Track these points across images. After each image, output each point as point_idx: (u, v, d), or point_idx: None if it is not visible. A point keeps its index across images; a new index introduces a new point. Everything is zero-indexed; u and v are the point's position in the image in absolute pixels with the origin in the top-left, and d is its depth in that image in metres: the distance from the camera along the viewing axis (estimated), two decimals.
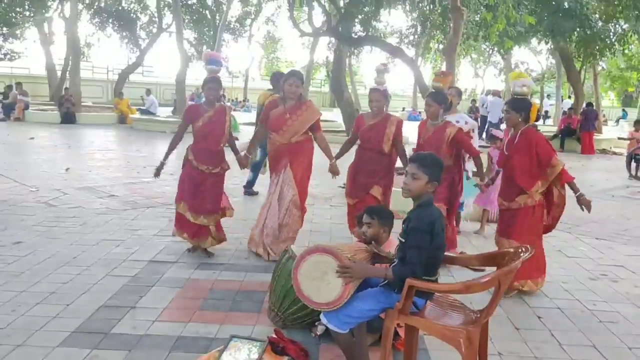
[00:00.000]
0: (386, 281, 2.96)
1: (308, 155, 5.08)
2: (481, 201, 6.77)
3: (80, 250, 5.16)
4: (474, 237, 6.42)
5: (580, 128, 16.99)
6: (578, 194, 4.25)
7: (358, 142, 5.25)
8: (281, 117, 4.94)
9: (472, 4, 12.51)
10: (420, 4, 17.33)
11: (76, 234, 5.71)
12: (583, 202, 4.23)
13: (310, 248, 3.12)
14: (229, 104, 25.94)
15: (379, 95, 4.93)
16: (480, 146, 10.52)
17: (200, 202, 4.93)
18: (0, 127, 17.23)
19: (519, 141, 4.30)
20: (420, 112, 32.13)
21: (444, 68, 11.99)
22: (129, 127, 19.38)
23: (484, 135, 13.66)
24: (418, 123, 5.30)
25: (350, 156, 5.39)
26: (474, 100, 22.84)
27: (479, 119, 17.23)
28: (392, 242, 3.54)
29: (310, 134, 5.09)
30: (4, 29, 24.71)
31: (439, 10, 15.15)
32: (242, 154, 5.16)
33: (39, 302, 3.91)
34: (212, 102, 4.94)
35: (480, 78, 46.47)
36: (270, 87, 7.54)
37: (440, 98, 4.89)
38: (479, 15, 13.83)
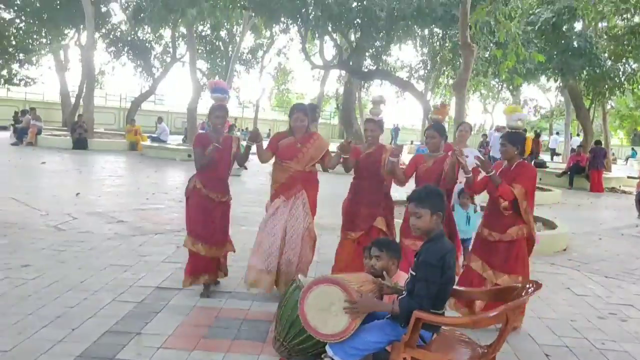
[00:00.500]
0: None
1: (317, 186, 5.11)
2: None
3: (88, 274, 5.17)
4: None
5: (589, 166, 16.96)
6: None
7: (352, 175, 5.18)
8: (292, 146, 4.94)
9: (482, 40, 12.70)
10: (431, 40, 17.60)
11: (84, 258, 5.73)
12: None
13: (318, 279, 3.13)
14: (238, 133, 26.23)
15: (375, 126, 5.00)
16: None
17: (212, 233, 4.86)
18: (12, 151, 17.47)
19: (513, 173, 4.38)
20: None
21: (452, 103, 12.10)
22: (140, 154, 19.57)
23: None
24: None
25: (339, 192, 5.32)
26: (484, 135, 22.93)
27: (489, 154, 17.27)
28: (400, 275, 3.54)
29: (316, 168, 5.11)
30: (21, 55, 25.21)
31: (449, 46, 15.36)
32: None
33: (45, 326, 3.91)
34: (219, 130, 4.95)
35: (489, 114, 46.75)
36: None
37: (442, 130, 4.94)
38: (489, 52, 14.00)
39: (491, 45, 12.26)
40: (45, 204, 8.51)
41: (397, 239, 4.82)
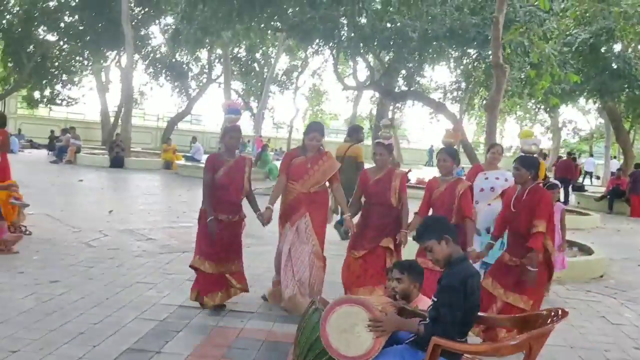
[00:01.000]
0: (413, 338, 2.88)
1: (325, 205, 5.08)
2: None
3: (114, 291, 5.22)
4: None
5: (630, 190, 16.41)
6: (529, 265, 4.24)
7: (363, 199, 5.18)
8: (302, 166, 4.95)
9: (517, 61, 12.54)
10: (465, 60, 17.46)
11: (111, 275, 5.80)
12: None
13: (340, 299, 3.07)
14: (272, 153, 26.41)
15: (384, 150, 4.97)
16: None
17: (218, 251, 4.80)
18: (52, 169, 17.98)
19: (526, 198, 4.38)
20: (463, 168, 31.72)
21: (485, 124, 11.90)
22: (174, 173, 19.88)
23: None
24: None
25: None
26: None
27: None
28: (421, 299, 3.45)
29: (327, 185, 5.10)
30: (63, 76, 26.09)
31: (482, 68, 15.22)
32: (265, 208, 4.91)
33: (67, 342, 3.94)
34: (232, 151, 4.89)
35: None
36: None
37: (454, 154, 4.94)
38: (524, 73, 13.80)
39: (526, 66, 12.09)
40: (78, 221, 8.68)
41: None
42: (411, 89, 16.51)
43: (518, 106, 24.43)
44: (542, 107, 22.11)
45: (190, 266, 4.92)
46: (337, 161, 5.36)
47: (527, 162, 4.43)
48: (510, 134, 49.51)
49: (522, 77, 13.75)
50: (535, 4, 11.75)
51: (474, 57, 15.31)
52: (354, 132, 8.85)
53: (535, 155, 4.62)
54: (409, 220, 4.94)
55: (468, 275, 2.81)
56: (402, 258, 4.98)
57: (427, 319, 2.88)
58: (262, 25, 14.19)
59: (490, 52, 10.16)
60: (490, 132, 8.99)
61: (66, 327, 4.22)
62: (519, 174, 4.44)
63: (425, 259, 4.41)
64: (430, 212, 4.95)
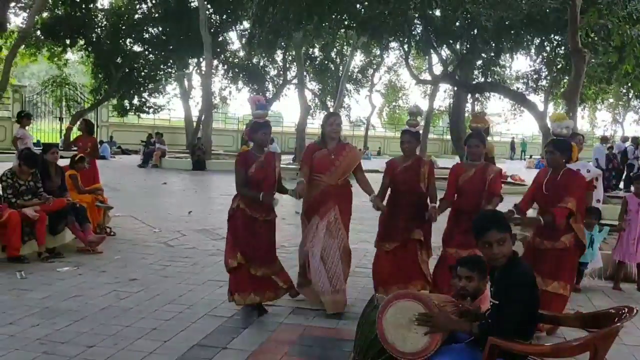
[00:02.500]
0: (473, 338, 2.78)
1: (350, 198, 5.03)
2: (618, 254, 6.16)
3: (187, 289, 5.42)
4: (596, 296, 5.81)
5: None
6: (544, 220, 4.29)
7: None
8: (326, 158, 4.87)
9: (601, 45, 11.78)
10: (547, 47, 16.64)
11: (186, 273, 6.02)
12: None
13: (398, 293, 3.01)
14: None
15: (411, 137, 4.92)
16: (608, 196, 9.71)
17: (260, 254, 4.67)
18: (139, 173, 18.96)
19: (560, 180, 4.38)
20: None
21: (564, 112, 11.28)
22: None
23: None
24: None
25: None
26: (610, 147, 21.19)
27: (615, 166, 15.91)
28: (487, 296, 3.32)
29: (349, 180, 5.03)
30: (150, 84, 27.42)
31: (564, 54, 14.43)
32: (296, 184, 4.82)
33: (140, 337, 4.13)
34: (262, 148, 4.77)
35: (619, 124, 43.22)
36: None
37: (484, 138, 4.82)
38: (609, 58, 12.95)
39: (610, 50, 11.33)
40: (159, 222, 9.09)
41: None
42: (488, 80, 15.96)
43: (607, 93, 22.93)
44: (633, 92, 20.67)
45: (229, 269, 4.66)
46: None
47: (561, 146, 4.44)
48: (602, 123, 46.75)
49: (609, 62, 12.90)
50: None
51: (555, 43, 14.54)
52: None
53: (567, 139, 4.58)
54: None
55: (532, 271, 2.72)
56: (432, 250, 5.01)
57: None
58: (333, 24, 14.23)
59: None
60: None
61: (140, 323, 4.43)
62: (553, 158, 4.44)
63: (456, 249, 4.57)
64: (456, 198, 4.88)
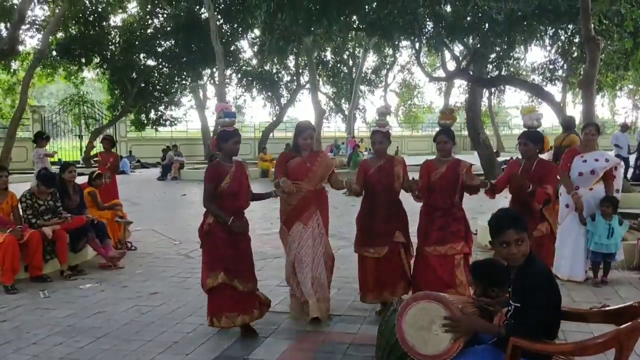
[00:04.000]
0: (496, 339, 2.72)
1: (328, 203, 5.03)
2: None
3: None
4: (623, 288, 5.69)
5: None
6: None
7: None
8: (302, 166, 4.81)
9: (615, 32, 11.57)
10: (561, 36, 16.41)
11: (195, 283, 6.01)
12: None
13: (418, 294, 2.96)
14: (365, 152, 26.37)
15: (382, 137, 4.90)
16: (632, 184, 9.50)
17: (244, 268, 4.40)
18: (158, 186, 19.12)
19: (535, 170, 4.65)
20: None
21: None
22: (271, 181, 20.36)
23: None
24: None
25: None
26: None
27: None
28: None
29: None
30: (165, 98, 27.69)
31: (577, 43, 14.22)
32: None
33: (162, 352, 4.14)
34: (231, 158, 4.49)
35: None
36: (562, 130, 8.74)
37: (452, 135, 4.87)
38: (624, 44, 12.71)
39: (625, 36, 11.10)
40: (179, 233, 9.13)
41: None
42: (502, 73, 15.76)
43: (626, 79, 22.51)
44: None
45: (209, 289, 4.38)
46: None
47: (534, 137, 4.67)
48: (623, 110, 45.91)
49: (624, 48, 12.65)
50: None
51: (569, 32, 14.33)
52: (568, 123, 9.05)
53: (539, 131, 4.81)
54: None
55: (548, 270, 2.67)
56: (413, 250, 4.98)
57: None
58: (342, 26, 14.21)
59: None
60: (588, 110, 8.34)
61: (162, 337, 4.44)
62: (527, 149, 4.68)
63: (434, 246, 4.63)
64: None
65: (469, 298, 3.10)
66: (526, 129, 4.86)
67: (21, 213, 6.43)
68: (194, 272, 6.53)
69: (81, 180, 7.58)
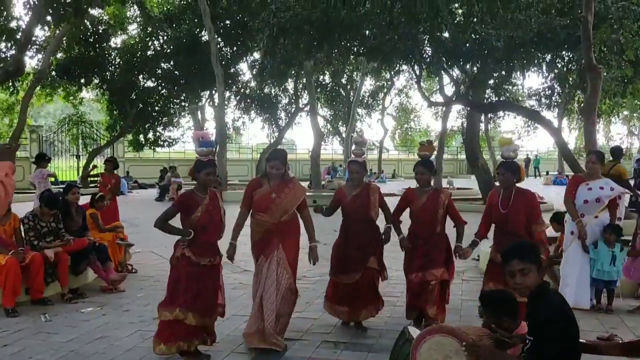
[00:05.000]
0: None
1: (297, 234, 4.82)
2: (636, 275, 6.06)
3: None
4: (629, 317, 5.67)
5: None
6: None
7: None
8: (267, 197, 4.67)
9: (614, 60, 11.72)
10: (559, 64, 16.60)
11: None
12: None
13: (432, 328, 2.95)
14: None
15: (358, 167, 5.07)
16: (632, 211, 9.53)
17: (202, 302, 4.29)
18: (157, 207, 19.01)
19: (515, 199, 4.77)
20: (567, 176, 30.03)
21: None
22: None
23: None
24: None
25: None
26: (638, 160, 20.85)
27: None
28: (523, 326, 3.24)
29: (296, 214, 4.81)
30: (164, 119, 27.76)
31: (577, 70, 14.38)
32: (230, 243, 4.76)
33: None
34: (205, 189, 4.37)
35: (635, 136, 42.83)
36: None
37: (431, 167, 5.11)
38: (623, 71, 12.86)
39: (624, 64, 11.25)
40: None
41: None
42: (501, 99, 15.90)
43: (622, 106, 22.75)
44: None
45: (162, 321, 4.27)
46: None
47: (512, 168, 4.81)
48: (618, 137, 46.33)
49: (622, 75, 12.81)
50: None
51: (566, 60, 14.50)
52: (616, 152, 9.12)
53: (516, 161, 4.96)
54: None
55: (561, 303, 2.64)
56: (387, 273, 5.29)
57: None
58: (343, 51, 14.35)
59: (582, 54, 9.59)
60: (589, 138, 8.40)
61: None
62: (505, 179, 4.81)
63: (416, 272, 4.92)
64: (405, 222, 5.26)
65: (485, 330, 3.07)
66: (504, 160, 4.99)
67: (23, 235, 6.38)
68: None
69: (82, 201, 7.53)
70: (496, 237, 4.95)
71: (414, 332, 3.51)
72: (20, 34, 11.86)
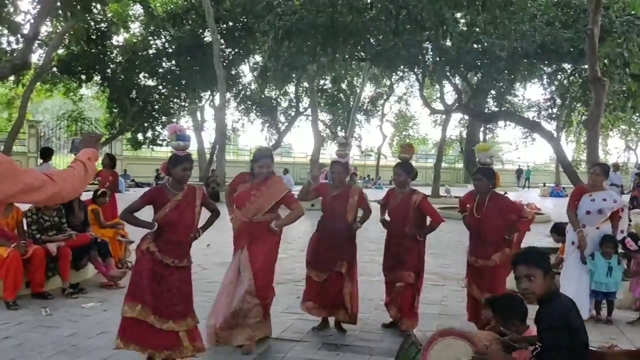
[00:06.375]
0: None
1: (269, 239, 4.58)
2: (637, 290, 6.09)
3: None
4: (629, 328, 5.70)
5: None
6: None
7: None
8: (246, 193, 4.57)
9: (616, 73, 11.81)
10: (560, 76, 16.72)
11: (209, 308, 5.91)
12: None
13: (443, 330, 2.96)
14: (360, 181, 26.48)
15: (341, 168, 5.11)
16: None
17: (167, 304, 4.00)
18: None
19: (490, 205, 4.89)
20: (564, 188, 30.17)
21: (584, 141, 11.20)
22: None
23: None
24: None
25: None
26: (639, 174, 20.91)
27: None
28: (532, 331, 3.26)
29: (276, 215, 4.65)
30: (163, 118, 27.75)
31: (579, 83, 14.48)
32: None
33: None
34: (181, 185, 4.10)
35: (632, 151, 43.05)
36: None
37: (409, 169, 5.22)
38: (625, 85, 12.97)
39: (627, 78, 11.34)
40: None
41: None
42: (502, 109, 15.98)
43: (621, 120, 22.89)
44: None
45: (125, 318, 4.02)
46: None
47: (488, 173, 4.94)
48: (615, 151, 46.57)
49: (624, 89, 12.91)
50: (633, 13, 11.07)
51: (569, 72, 14.62)
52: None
53: (492, 167, 5.11)
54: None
55: (567, 311, 2.63)
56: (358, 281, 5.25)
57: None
58: (346, 56, 14.41)
59: (586, 66, 9.67)
60: (592, 150, 8.45)
61: None
62: (481, 184, 4.94)
63: (398, 272, 5.03)
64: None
65: (495, 335, 3.09)
66: (480, 166, 5.12)
67: (25, 228, 6.37)
68: (196, 295, 6.38)
69: (83, 196, 7.51)
70: (470, 240, 5.16)
71: (420, 335, 3.53)
72: (27, 27, 11.88)
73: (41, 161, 10.33)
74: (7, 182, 2.00)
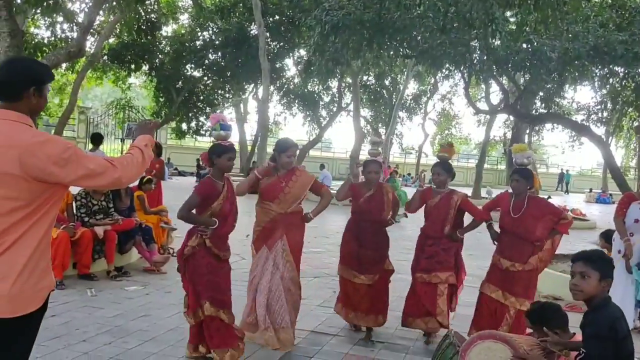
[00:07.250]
0: None
1: (302, 228, 4.72)
2: None
3: None
4: None
5: None
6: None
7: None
8: (276, 185, 4.54)
9: None
10: (611, 79, 16.20)
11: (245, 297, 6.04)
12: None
13: (483, 333, 2.95)
14: (400, 179, 26.26)
15: (377, 167, 5.01)
16: None
17: (228, 297, 4.12)
18: None
19: (529, 206, 4.70)
20: (611, 195, 29.28)
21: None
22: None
23: None
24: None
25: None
26: None
27: None
28: (576, 339, 3.21)
29: (302, 206, 4.71)
30: (207, 109, 28.20)
31: (631, 87, 13.99)
32: None
33: None
34: (223, 175, 4.07)
35: None
36: None
37: (448, 168, 5.10)
38: None
39: None
40: None
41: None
42: (550, 111, 15.59)
43: None
44: None
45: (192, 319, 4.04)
46: None
47: (526, 174, 4.78)
48: None
49: None
50: None
51: (621, 75, 14.12)
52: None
53: (529, 168, 4.98)
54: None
55: (615, 319, 2.58)
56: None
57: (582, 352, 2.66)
58: (392, 53, 14.30)
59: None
60: None
61: None
62: (519, 185, 4.75)
63: (421, 273, 4.87)
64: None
65: (535, 340, 3.05)
66: (518, 166, 4.95)
67: (75, 211, 6.60)
68: (234, 284, 6.44)
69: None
70: (501, 241, 4.86)
71: (458, 336, 3.51)
72: (82, 16, 12.28)
73: (91, 146, 10.63)
74: (72, 167, 2.10)
